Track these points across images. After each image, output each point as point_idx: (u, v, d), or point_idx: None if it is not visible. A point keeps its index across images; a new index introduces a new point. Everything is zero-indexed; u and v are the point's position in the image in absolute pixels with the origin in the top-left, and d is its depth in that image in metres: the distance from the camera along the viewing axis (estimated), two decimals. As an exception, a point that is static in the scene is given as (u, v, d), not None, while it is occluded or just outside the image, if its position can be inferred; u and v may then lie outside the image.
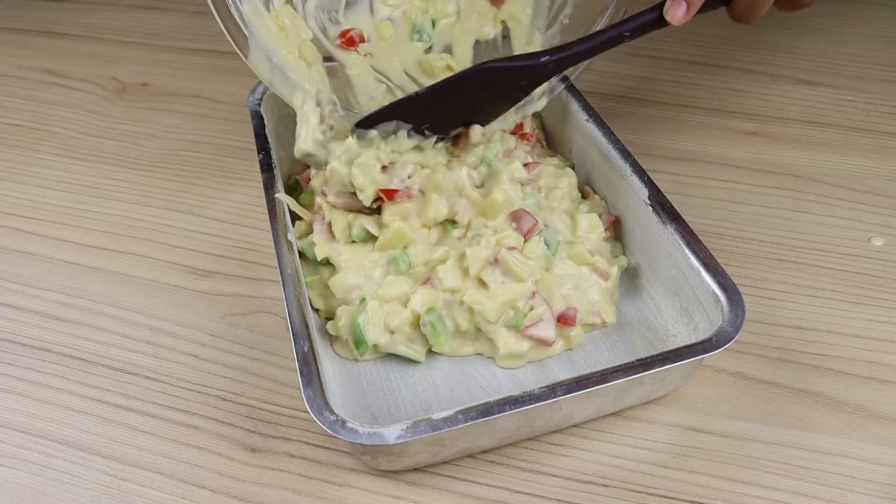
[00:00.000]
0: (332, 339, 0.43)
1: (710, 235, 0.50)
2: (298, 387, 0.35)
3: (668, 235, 0.42)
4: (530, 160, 0.49)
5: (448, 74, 0.47)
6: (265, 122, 0.49)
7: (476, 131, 0.46)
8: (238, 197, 0.54)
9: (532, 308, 0.41)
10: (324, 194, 0.44)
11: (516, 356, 0.41)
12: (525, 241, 0.43)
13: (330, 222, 0.44)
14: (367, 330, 0.41)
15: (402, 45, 0.49)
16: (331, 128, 0.44)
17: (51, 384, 0.43)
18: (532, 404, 0.34)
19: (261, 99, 0.51)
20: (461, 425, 0.33)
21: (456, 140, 0.46)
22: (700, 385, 0.41)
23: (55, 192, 0.55)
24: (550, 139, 0.54)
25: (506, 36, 0.50)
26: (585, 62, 0.45)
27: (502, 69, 0.43)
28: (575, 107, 0.50)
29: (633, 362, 0.36)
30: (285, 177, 0.50)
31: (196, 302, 0.47)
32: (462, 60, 0.49)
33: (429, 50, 0.49)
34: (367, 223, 0.43)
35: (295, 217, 0.46)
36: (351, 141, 0.43)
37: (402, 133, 0.44)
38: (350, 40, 0.47)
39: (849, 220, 0.51)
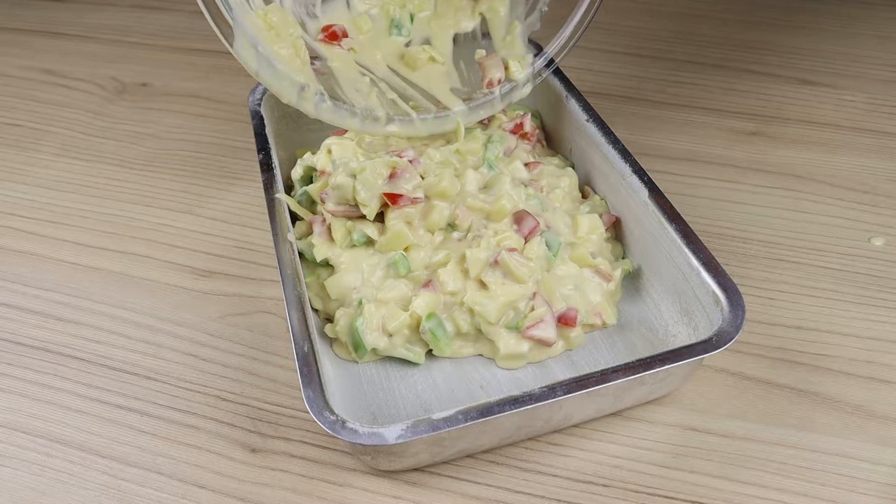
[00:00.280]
0: (331, 340, 0.43)
1: (710, 235, 0.50)
2: (298, 387, 0.35)
3: (668, 235, 0.42)
4: (531, 160, 0.49)
5: (432, 66, 0.48)
6: (265, 122, 0.49)
7: None
8: (238, 197, 0.54)
9: (533, 309, 0.41)
10: (322, 201, 0.44)
11: (517, 357, 0.41)
12: (526, 243, 0.43)
13: (329, 225, 0.44)
14: (366, 334, 0.41)
15: (381, 39, 0.49)
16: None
17: (51, 384, 0.43)
18: (532, 404, 0.34)
19: (261, 99, 0.51)
20: (461, 425, 0.33)
21: None
22: (700, 385, 0.41)
23: (55, 192, 0.55)
24: (550, 139, 0.54)
25: (485, 33, 0.50)
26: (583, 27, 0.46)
27: None
28: (575, 107, 0.50)
29: (633, 362, 0.36)
30: (285, 177, 0.49)
31: (196, 302, 0.47)
32: (443, 52, 0.49)
33: (409, 44, 0.49)
34: (368, 228, 0.43)
35: (295, 217, 0.46)
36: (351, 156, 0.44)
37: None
38: (332, 35, 0.47)
39: (849, 220, 0.51)
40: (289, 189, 0.49)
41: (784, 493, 0.37)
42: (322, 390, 0.34)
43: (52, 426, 0.41)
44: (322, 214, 0.45)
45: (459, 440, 0.36)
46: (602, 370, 0.35)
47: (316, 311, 0.44)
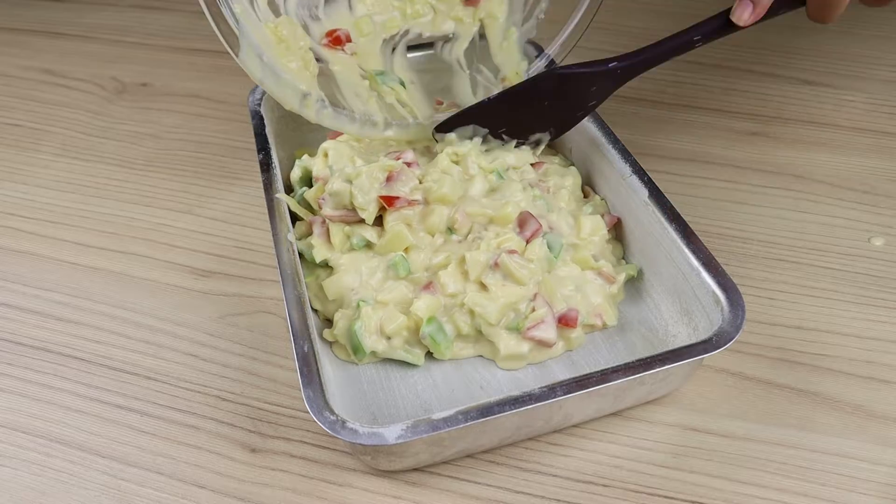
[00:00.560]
0: (330, 343, 0.43)
1: (710, 235, 0.50)
2: (298, 387, 0.35)
3: (668, 235, 0.42)
4: (536, 159, 0.49)
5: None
6: (265, 122, 0.49)
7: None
8: (238, 197, 0.54)
9: (533, 310, 0.41)
10: (320, 206, 0.44)
11: (517, 357, 0.41)
12: (527, 244, 0.43)
13: (328, 230, 0.44)
14: (364, 337, 0.41)
15: (382, 44, 0.49)
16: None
17: (51, 384, 0.43)
18: (532, 404, 0.34)
19: (261, 99, 0.51)
20: (461, 425, 0.33)
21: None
22: (700, 385, 0.41)
23: (55, 192, 0.55)
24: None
25: (482, 35, 0.50)
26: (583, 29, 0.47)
27: (570, 75, 0.44)
28: (575, 107, 0.50)
29: (633, 362, 0.36)
30: (285, 177, 0.49)
31: (196, 302, 0.47)
32: None
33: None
34: (367, 232, 0.43)
35: (295, 217, 0.46)
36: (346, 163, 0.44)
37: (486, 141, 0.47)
38: (337, 39, 0.47)
39: (849, 220, 0.51)
40: (289, 189, 0.49)
41: (784, 493, 0.37)
42: (322, 390, 0.34)
43: (52, 426, 0.41)
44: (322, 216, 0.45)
45: (459, 440, 0.36)
46: (602, 370, 0.35)
47: (316, 311, 0.44)
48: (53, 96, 0.65)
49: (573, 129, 0.50)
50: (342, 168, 0.44)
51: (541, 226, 0.43)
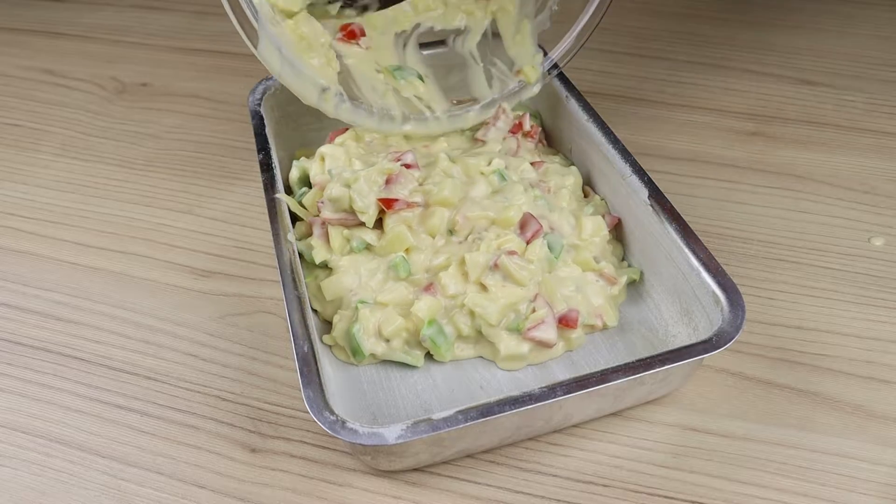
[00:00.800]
0: (330, 345, 0.43)
1: (710, 235, 0.50)
2: (298, 387, 0.35)
3: (668, 235, 0.42)
4: (536, 158, 0.49)
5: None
6: (265, 122, 0.49)
7: None
8: (238, 197, 0.54)
9: (534, 310, 0.41)
10: (318, 210, 0.44)
11: (517, 358, 0.41)
12: (527, 245, 0.43)
13: (328, 231, 0.44)
14: (363, 340, 0.41)
15: (394, 38, 0.49)
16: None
17: (50, 384, 0.43)
18: (532, 404, 0.34)
19: (261, 99, 0.51)
20: (461, 425, 0.33)
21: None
22: (700, 385, 0.41)
23: (55, 192, 0.55)
24: (550, 139, 0.54)
25: (496, 33, 0.50)
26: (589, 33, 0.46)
27: None
28: (575, 107, 0.50)
29: (633, 362, 0.36)
30: (285, 177, 0.49)
31: (196, 302, 0.47)
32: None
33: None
34: (367, 235, 0.43)
35: (295, 217, 0.46)
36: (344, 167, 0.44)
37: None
38: (351, 33, 0.47)
39: (849, 220, 0.51)
40: (289, 189, 0.49)
41: (784, 493, 0.37)
42: (322, 390, 0.34)
43: (52, 426, 0.41)
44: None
45: (459, 440, 0.36)
46: (602, 370, 0.35)
47: (316, 311, 0.44)
48: (53, 96, 0.65)
49: (573, 129, 0.50)
50: (340, 173, 0.44)
51: (541, 226, 0.43)
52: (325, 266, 0.44)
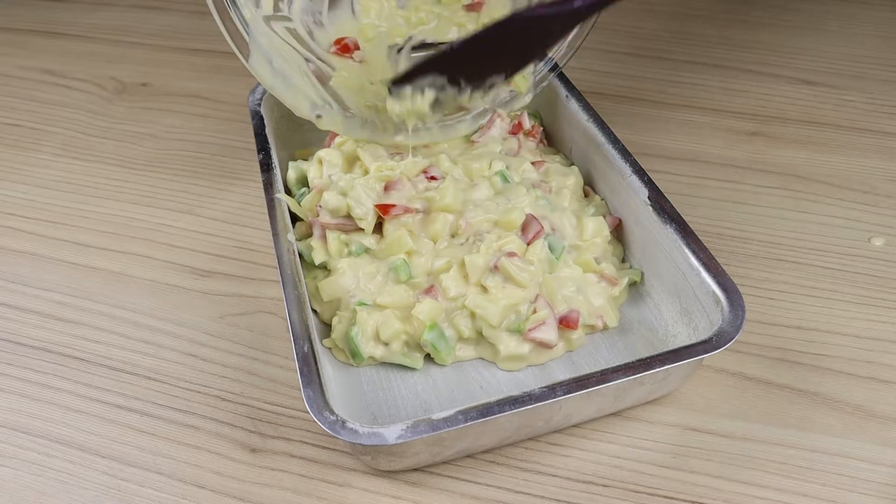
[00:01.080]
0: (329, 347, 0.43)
1: (710, 235, 0.50)
2: (298, 387, 0.35)
3: (668, 235, 0.42)
4: (537, 158, 0.49)
5: None
6: (265, 122, 0.49)
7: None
8: (238, 197, 0.54)
9: (535, 311, 0.41)
10: (317, 214, 0.44)
11: (517, 359, 0.41)
12: (528, 246, 0.43)
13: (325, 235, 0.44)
14: (362, 343, 0.41)
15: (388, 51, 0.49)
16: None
17: (51, 384, 0.43)
18: (532, 404, 0.34)
19: (261, 99, 0.51)
20: (461, 425, 0.33)
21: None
22: (700, 385, 0.41)
23: (55, 192, 0.55)
24: (550, 139, 0.54)
25: None
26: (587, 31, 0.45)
27: (535, 18, 0.41)
28: (575, 107, 0.50)
29: (633, 362, 0.36)
30: (285, 177, 0.49)
31: (196, 302, 0.47)
32: None
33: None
34: (366, 239, 0.43)
35: (295, 217, 0.46)
36: (339, 175, 0.44)
37: (429, 94, 0.43)
38: (345, 47, 0.47)
39: (849, 220, 0.51)
40: (289, 189, 0.49)
41: (784, 493, 0.37)
42: (322, 390, 0.34)
43: (52, 426, 0.41)
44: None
45: (459, 440, 0.36)
46: (602, 370, 0.35)
47: (315, 311, 0.44)
48: (53, 96, 0.65)
49: (573, 129, 0.50)
50: (336, 182, 0.44)
51: (542, 227, 0.43)
52: (324, 267, 0.44)
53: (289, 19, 0.46)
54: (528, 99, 0.50)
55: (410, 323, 0.41)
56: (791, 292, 0.46)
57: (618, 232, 0.47)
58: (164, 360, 0.44)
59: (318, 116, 0.46)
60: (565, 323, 0.41)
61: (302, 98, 0.45)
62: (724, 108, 0.61)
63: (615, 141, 0.47)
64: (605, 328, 0.43)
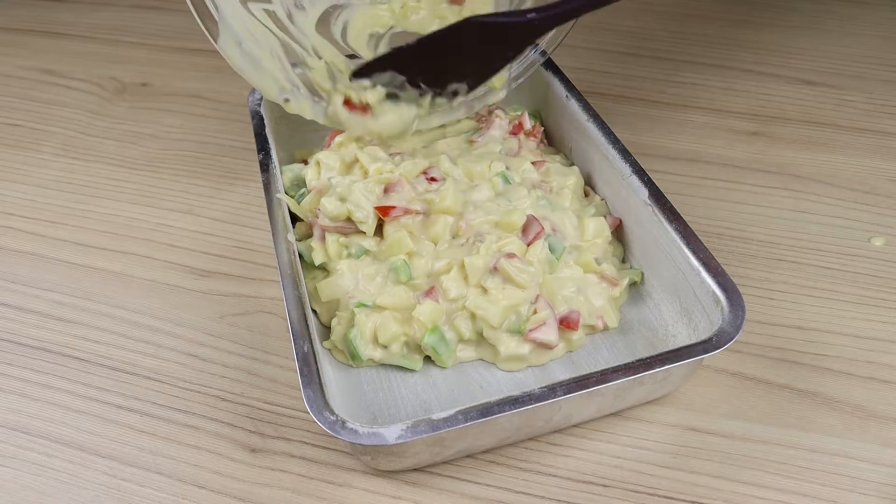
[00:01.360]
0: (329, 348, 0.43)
1: (710, 235, 0.50)
2: (298, 387, 0.35)
3: (668, 235, 0.42)
4: (537, 158, 0.49)
5: None
6: (265, 122, 0.49)
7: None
8: (238, 197, 0.54)
9: (535, 311, 0.41)
10: (316, 216, 0.44)
11: (518, 359, 0.41)
12: (528, 247, 0.43)
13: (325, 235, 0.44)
14: (360, 346, 0.41)
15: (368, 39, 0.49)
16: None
17: (50, 384, 0.43)
18: (532, 404, 0.34)
19: (261, 99, 0.51)
20: (461, 425, 0.33)
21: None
22: (700, 385, 0.41)
23: (55, 192, 0.55)
24: (550, 139, 0.54)
25: None
26: (571, 23, 0.45)
27: (487, 24, 0.42)
28: (575, 107, 0.50)
29: (633, 362, 0.36)
30: (285, 177, 0.49)
31: (196, 302, 0.47)
32: None
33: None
34: (366, 242, 0.43)
35: (295, 217, 0.46)
36: (339, 179, 0.44)
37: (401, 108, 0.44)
38: (351, 105, 0.46)
39: (849, 220, 0.51)
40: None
41: (784, 493, 0.37)
42: (322, 390, 0.34)
43: (52, 426, 0.41)
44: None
45: (459, 440, 0.36)
46: (602, 370, 0.35)
47: (315, 312, 0.44)
48: (53, 96, 0.65)
49: (573, 129, 0.50)
50: (335, 186, 0.44)
51: (543, 228, 0.43)
52: (324, 268, 0.44)
53: (268, 0, 0.45)
54: (502, 95, 0.49)
55: (410, 325, 0.41)
56: (791, 292, 0.46)
57: (618, 232, 0.47)
58: (164, 360, 0.44)
59: (286, 100, 0.46)
60: (566, 323, 0.41)
61: (271, 81, 0.44)
62: (724, 108, 0.61)
63: (615, 141, 0.47)
64: (606, 328, 0.43)
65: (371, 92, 0.44)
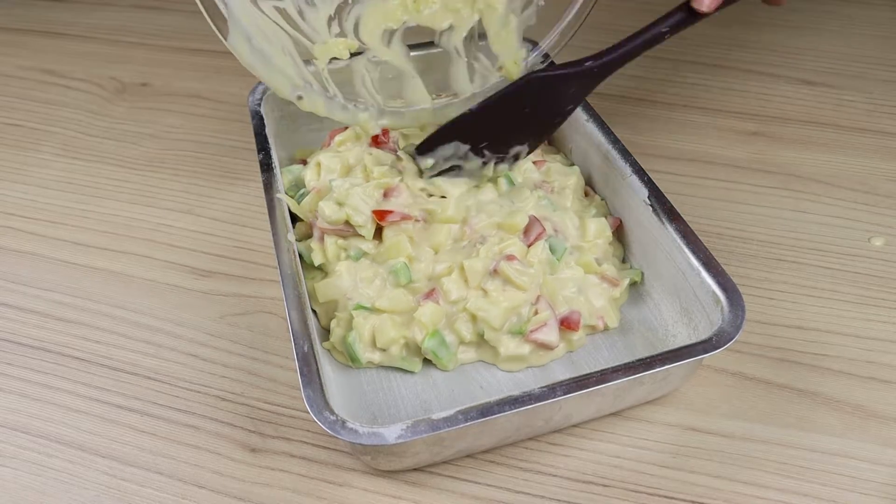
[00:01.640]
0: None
1: (710, 235, 0.50)
2: (298, 387, 0.35)
3: (668, 235, 0.42)
4: (538, 158, 0.49)
5: None
6: (265, 122, 0.49)
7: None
8: (238, 197, 0.54)
9: (536, 312, 0.41)
10: (316, 217, 0.44)
11: (518, 359, 0.41)
12: (529, 248, 0.43)
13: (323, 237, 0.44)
14: (359, 349, 0.41)
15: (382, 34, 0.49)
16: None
17: (50, 384, 0.43)
18: (532, 404, 0.34)
19: (261, 99, 0.51)
20: (461, 425, 0.33)
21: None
22: (700, 385, 0.41)
23: (55, 192, 0.55)
24: (550, 139, 0.54)
25: (482, 34, 0.50)
26: (575, 28, 0.46)
27: (548, 78, 0.43)
28: (575, 107, 0.50)
29: (633, 362, 0.36)
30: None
31: (196, 302, 0.47)
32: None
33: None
34: (364, 244, 0.43)
35: (295, 217, 0.46)
36: (339, 182, 0.44)
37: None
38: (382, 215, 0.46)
39: (849, 220, 0.51)
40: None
41: (784, 493, 0.37)
42: (322, 390, 0.34)
43: (52, 426, 0.41)
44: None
45: (459, 440, 0.36)
46: (602, 370, 0.35)
47: (315, 312, 0.44)
48: (53, 96, 0.65)
49: (573, 129, 0.50)
50: (332, 191, 0.44)
51: (544, 229, 0.43)
52: (323, 268, 0.44)
53: None
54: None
55: (409, 327, 0.41)
56: (791, 292, 0.46)
57: (618, 232, 0.47)
58: (164, 360, 0.44)
59: (300, 97, 0.45)
60: (566, 324, 0.41)
61: (282, 78, 0.44)
62: (724, 108, 0.61)
63: (615, 141, 0.47)
64: (606, 329, 0.43)
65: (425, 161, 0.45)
